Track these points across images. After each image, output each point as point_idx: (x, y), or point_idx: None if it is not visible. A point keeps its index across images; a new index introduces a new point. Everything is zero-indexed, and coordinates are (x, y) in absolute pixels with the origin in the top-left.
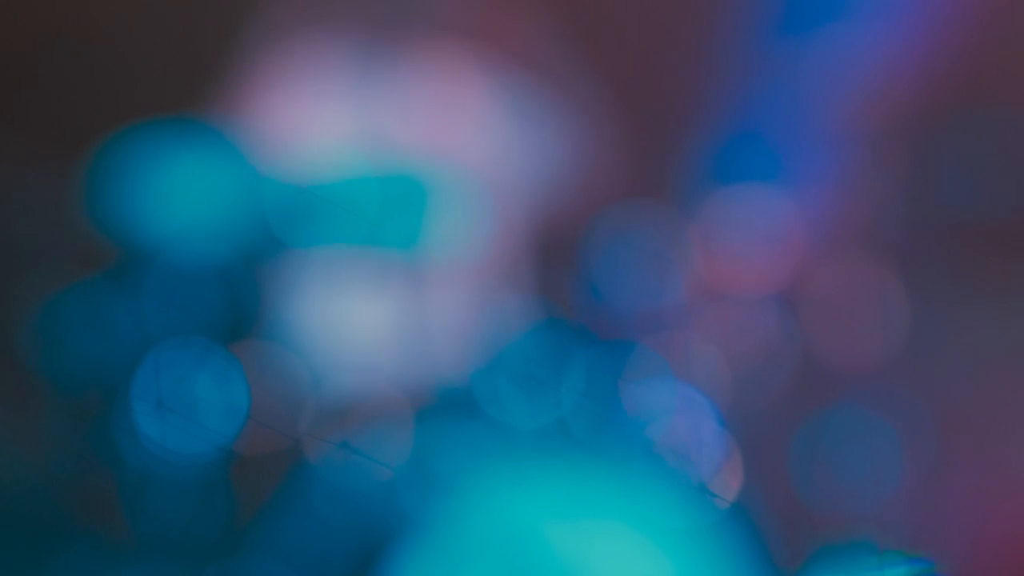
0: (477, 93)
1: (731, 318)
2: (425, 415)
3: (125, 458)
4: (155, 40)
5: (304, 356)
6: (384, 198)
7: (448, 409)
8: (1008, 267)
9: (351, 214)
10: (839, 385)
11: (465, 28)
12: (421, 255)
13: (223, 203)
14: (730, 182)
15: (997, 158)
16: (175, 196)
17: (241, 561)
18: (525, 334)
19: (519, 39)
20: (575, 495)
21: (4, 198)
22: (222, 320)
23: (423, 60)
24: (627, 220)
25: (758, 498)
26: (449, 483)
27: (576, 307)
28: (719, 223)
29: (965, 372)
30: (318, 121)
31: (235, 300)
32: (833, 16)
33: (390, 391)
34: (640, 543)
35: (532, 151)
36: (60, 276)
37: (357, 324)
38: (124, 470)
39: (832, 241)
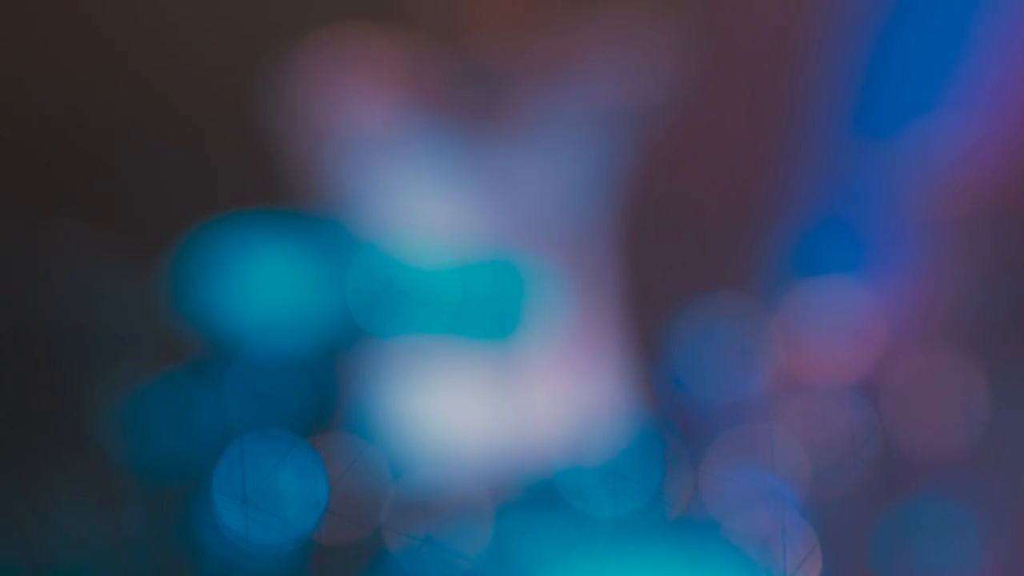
0: (559, 185)
1: (813, 409)
2: (508, 507)
3: (207, 549)
4: (236, 136)
5: (386, 448)
6: (467, 290)
7: (531, 501)
8: None
9: (434, 306)
10: (920, 476)
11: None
12: (505, 347)
13: (305, 295)
14: (812, 273)
15: None
16: (258, 289)
17: None
18: (609, 426)
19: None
20: None
21: (89, 292)
22: (304, 412)
23: (507, 145)
24: (711, 312)
25: None
26: (531, 575)
27: (660, 398)
28: (801, 314)
29: None
30: (402, 211)
31: (317, 392)
32: (915, 107)
33: (473, 483)
34: None
35: (617, 245)
36: (144, 369)
37: (440, 416)
38: (206, 561)
39: (914, 331)
